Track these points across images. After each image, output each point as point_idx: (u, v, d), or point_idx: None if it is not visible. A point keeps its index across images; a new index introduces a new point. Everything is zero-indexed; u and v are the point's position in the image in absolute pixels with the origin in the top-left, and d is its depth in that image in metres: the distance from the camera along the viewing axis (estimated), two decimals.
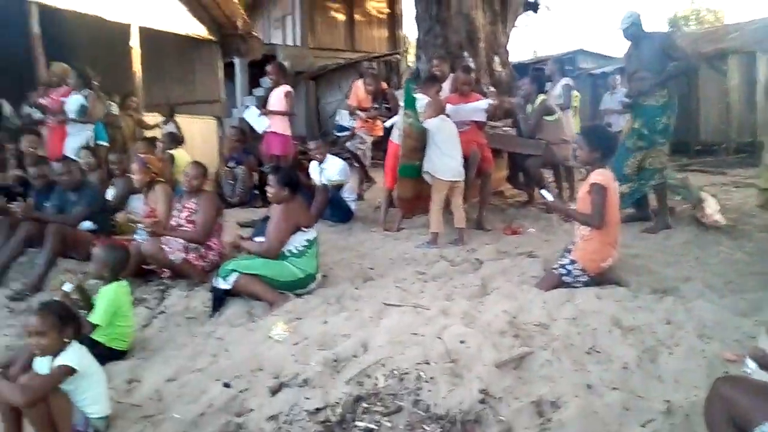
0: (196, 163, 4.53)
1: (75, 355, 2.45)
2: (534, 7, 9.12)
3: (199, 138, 9.38)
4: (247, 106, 8.77)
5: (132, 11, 8.51)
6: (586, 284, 3.63)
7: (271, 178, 3.97)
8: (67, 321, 2.46)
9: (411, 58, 13.62)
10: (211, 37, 9.88)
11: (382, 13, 15.82)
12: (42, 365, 2.47)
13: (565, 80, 7.01)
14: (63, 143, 6.13)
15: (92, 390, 2.49)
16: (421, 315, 3.36)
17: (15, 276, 4.36)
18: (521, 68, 11.16)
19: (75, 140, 6.11)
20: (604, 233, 3.58)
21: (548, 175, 6.94)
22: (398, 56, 14.23)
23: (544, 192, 4.03)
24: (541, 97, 6.51)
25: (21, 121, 7.09)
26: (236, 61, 11.47)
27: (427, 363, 2.73)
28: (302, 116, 13.27)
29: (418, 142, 5.15)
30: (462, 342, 2.92)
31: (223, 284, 3.79)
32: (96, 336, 3.05)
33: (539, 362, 2.76)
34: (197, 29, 9.61)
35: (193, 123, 9.43)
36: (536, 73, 7.24)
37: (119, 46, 8.82)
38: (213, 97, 10.41)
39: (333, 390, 2.60)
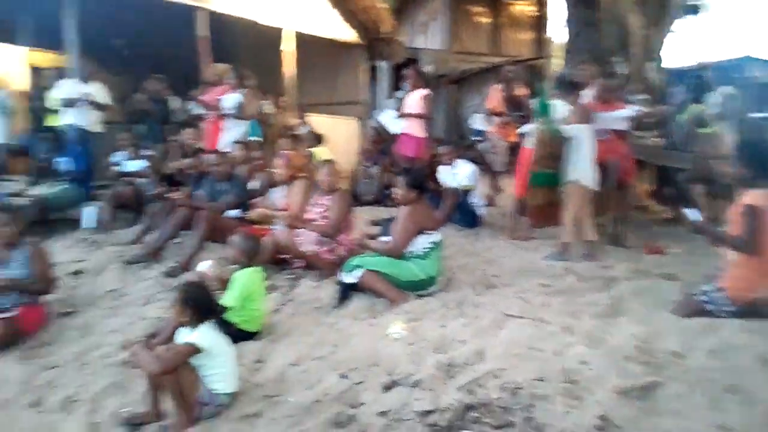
0: (331, 162, 4.74)
1: (204, 335, 2.66)
2: (694, 11, 8.42)
3: (342, 138, 9.77)
4: (386, 108, 9.00)
5: (285, 17, 9.08)
6: (732, 315, 3.29)
7: (400, 180, 4.05)
8: (189, 302, 2.68)
9: (557, 62, 13.16)
10: (357, 41, 10.25)
11: (528, 16, 15.43)
12: (181, 337, 2.73)
13: (725, 89, 6.39)
14: (219, 137, 6.69)
15: (219, 368, 2.70)
16: (542, 329, 3.26)
17: (170, 255, 4.86)
18: (680, 75, 10.34)
19: (230, 135, 6.66)
20: (757, 260, 3.22)
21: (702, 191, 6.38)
22: (543, 60, 13.80)
23: (689, 211, 3.71)
24: (697, 106, 5.99)
25: (185, 116, 7.85)
26: (380, 64, 11.78)
27: (543, 380, 2.64)
28: (442, 120, 13.34)
29: (551, 149, 4.98)
30: (583, 363, 2.79)
31: (348, 278, 3.93)
32: (229, 317, 3.29)
33: (669, 394, 2.57)
34: (345, 34, 10.02)
35: (336, 123, 9.85)
36: (694, 80, 6.66)
37: (274, 49, 9.44)
38: (356, 98, 10.79)
39: (444, 395, 2.60)
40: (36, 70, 7.97)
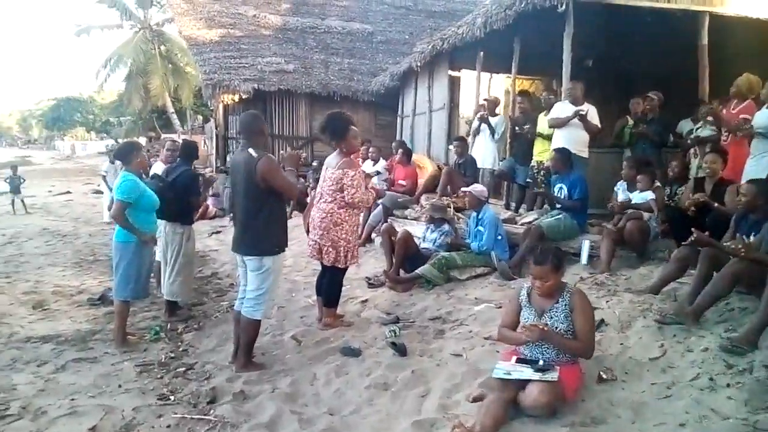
0: None
1: None
2: None
3: None
4: None
5: None
6: None
7: None
8: None
9: None
10: None
11: None
12: None
13: None
14: (742, 163, 5.30)
15: None
16: None
17: (713, 318, 3.77)
18: None
19: (758, 161, 5.20)
20: None
21: None
22: None
23: None
24: None
25: (689, 138, 6.67)
26: None
27: None
28: None
29: None
30: None
31: None
32: None
33: None
34: None
35: None
36: None
37: None
38: None
39: None
40: (522, 95, 7.97)
